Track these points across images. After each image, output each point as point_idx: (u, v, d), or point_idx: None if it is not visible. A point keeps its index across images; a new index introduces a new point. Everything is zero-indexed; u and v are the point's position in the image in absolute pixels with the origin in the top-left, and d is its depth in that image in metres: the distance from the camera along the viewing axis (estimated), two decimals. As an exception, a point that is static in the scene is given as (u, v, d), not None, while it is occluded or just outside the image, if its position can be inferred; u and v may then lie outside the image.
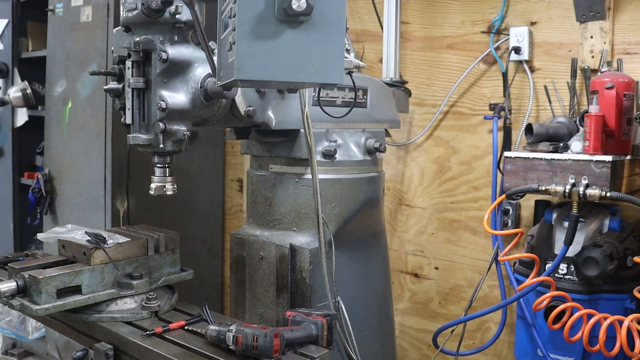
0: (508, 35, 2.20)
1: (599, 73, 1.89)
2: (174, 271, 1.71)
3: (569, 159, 1.65)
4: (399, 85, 2.32)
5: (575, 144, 1.72)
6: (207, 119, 1.47)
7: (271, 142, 1.70)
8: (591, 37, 1.99)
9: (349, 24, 1.61)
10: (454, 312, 2.44)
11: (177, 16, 1.36)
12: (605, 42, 1.97)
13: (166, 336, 1.42)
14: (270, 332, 1.27)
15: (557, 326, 1.66)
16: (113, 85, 1.50)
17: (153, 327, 1.44)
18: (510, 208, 2.22)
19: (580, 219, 1.68)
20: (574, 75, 2.00)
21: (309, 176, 1.62)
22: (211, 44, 1.26)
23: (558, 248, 1.75)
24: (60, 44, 2.74)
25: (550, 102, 2.06)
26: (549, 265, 1.73)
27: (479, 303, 2.31)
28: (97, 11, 2.55)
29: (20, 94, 2.77)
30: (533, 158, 1.72)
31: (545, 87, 2.09)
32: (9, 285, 1.45)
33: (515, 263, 2.01)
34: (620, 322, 1.58)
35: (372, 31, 2.56)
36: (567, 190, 1.63)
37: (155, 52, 1.37)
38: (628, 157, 1.73)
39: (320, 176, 1.62)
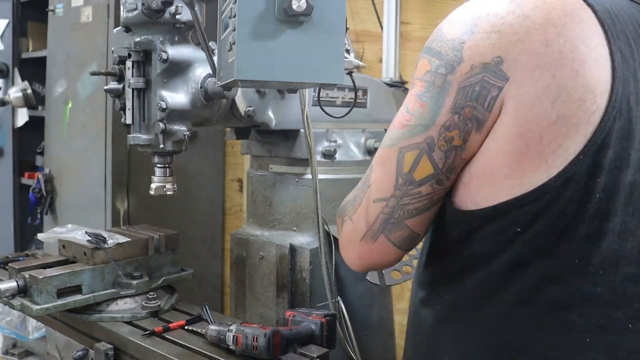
0: (508, 35, 2.20)
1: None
2: (174, 271, 1.71)
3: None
4: (399, 85, 2.32)
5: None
6: (207, 119, 1.48)
7: (271, 142, 1.71)
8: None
9: (349, 25, 1.61)
10: (454, 312, 2.44)
11: (177, 16, 1.37)
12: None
13: (166, 336, 1.42)
14: (270, 332, 1.27)
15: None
16: (113, 85, 1.50)
17: (153, 326, 1.44)
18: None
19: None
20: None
21: (309, 176, 1.62)
22: (211, 44, 1.27)
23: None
24: (61, 44, 2.74)
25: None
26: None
27: (479, 303, 2.30)
28: (97, 11, 2.55)
29: (20, 94, 2.77)
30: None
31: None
32: (10, 285, 1.45)
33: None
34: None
35: (372, 31, 2.56)
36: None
37: (156, 52, 1.38)
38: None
39: (320, 176, 1.62)
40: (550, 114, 0.73)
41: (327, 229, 1.62)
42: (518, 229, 0.78)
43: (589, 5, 0.77)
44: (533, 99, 0.74)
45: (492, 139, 0.78)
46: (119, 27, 1.44)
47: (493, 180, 0.78)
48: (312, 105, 1.61)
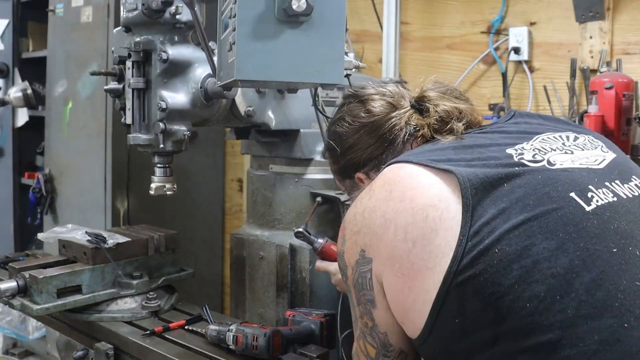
0: (507, 35, 2.20)
1: (598, 73, 1.89)
2: (174, 271, 1.71)
3: (569, 159, 1.66)
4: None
5: (575, 144, 1.73)
6: (207, 119, 1.48)
7: (271, 142, 1.71)
8: (590, 37, 1.99)
9: (349, 25, 1.62)
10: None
11: (177, 16, 1.37)
12: (604, 43, 1.97)
13: (166, 336, 1.42)
14: (270, 332, 1.27)
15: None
16: (113, 85, 1.50)
17: (153, 326, 1.44)
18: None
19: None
20: (573, 75, 2.00)
21: (309, 176, 1.63)
22: (211, 44, 1.27)
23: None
24: (61, 44, 2.74)
25: (549, 102, 2.06)
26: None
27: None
28: (97, 11, 2.55)
29: (20, 94, 2.78)
30: (532, 158, 1.72)
31: (545, 87, 2.09)
32: (10, 285, 1.45)
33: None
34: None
35: (372, 31, 2.56)
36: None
37: (156, 53, 1.38)
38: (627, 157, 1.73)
39: (320, 176, 1.62)
40: (404, 288, 0.90)
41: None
42: (448, 345, 0.90)
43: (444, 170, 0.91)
44: (394, 281, 0.91)
45: (390, 303, 0.95)
46: (119, 27, 1.45)
47: (409, 324, 0.94)
48: (311, 105, 1.61)
